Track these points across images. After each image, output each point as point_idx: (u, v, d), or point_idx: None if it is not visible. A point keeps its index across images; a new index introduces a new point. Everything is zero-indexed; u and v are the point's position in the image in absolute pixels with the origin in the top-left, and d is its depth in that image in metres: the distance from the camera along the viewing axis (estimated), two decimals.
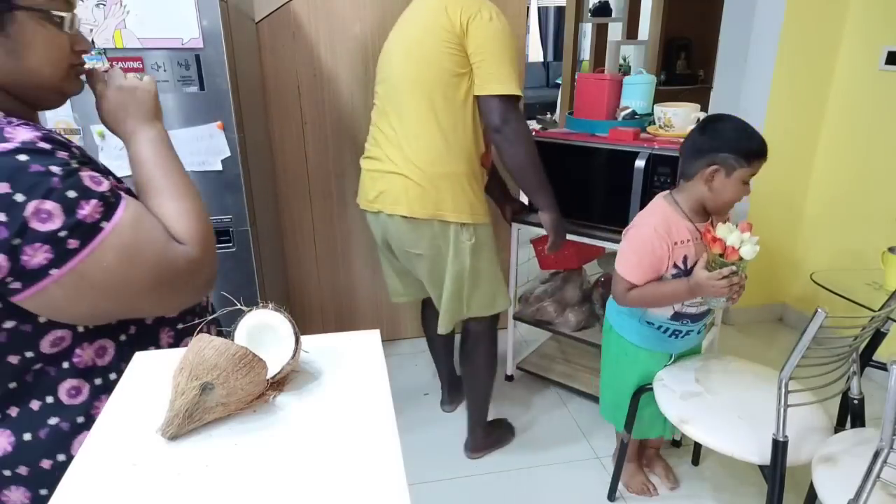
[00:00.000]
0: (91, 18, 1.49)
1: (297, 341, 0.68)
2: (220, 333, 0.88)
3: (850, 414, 1.45)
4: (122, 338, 0.78)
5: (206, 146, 1.67)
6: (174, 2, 1.52)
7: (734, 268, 1.27)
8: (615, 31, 5.62)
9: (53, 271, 0.64)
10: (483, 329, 1.84)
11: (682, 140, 1.79)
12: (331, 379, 0.69)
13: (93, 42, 1.50)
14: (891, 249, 1.71)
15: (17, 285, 0.64)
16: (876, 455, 1.06)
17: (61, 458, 0.74)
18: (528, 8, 2.96)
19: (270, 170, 2.27)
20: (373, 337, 0.77)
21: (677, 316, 1.49)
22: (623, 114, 1.96)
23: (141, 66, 1.55)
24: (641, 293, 1.42)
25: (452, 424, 2.12)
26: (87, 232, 0.65)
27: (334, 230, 2.46)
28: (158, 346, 0.82)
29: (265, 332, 0.69)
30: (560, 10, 7.06)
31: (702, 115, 1.85)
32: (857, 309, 1.64)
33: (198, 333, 0.65)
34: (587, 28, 5.71)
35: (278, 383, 0.67)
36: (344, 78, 2.25)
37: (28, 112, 0.75)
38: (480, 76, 1.53)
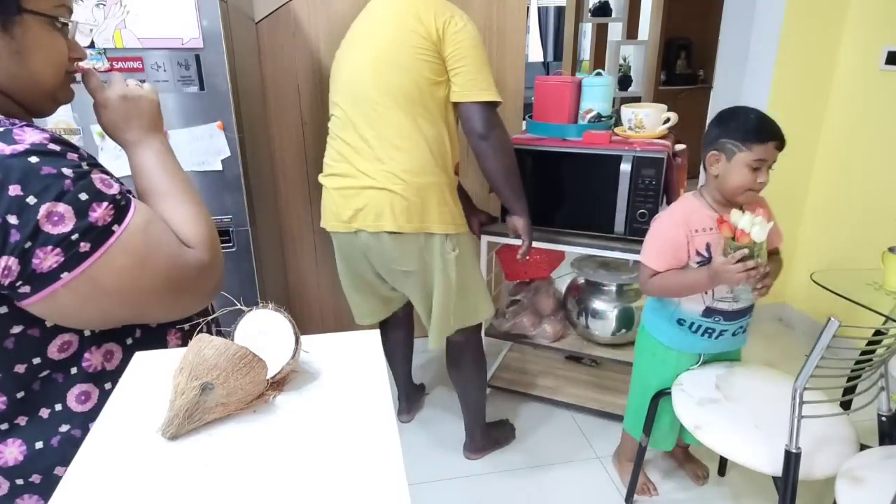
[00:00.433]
0: (91, 18, 1.49)
1: (297, 341, 0.68)
2: (219, 333, 0.88)
3: (879, 431, 1.42)
4: (129, 341, 0.78)
5: (206, 146, 1.67)
6: (174, 2, 1.52)
7: (746, 251, 1.28)
8: (615, 31, 5.61)
9: (64, 275, 0.63)
10: (467, 337, 1.79)
11: (657, 141, 1.79)
12: (331, 379, 0.69)
13: (93, 42, 1.51)
14: (891, 249, 1.70)
15: (26, 289, 0.63)
16: None
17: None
18: (528, 8, 2.96)
19: (270, 170, 2.27)
20: (373, 337, 0.77)
21: (709, 312, 1.48)
22: (589, 116, 1.92)
23: (141, 66, 1.55)
24: (663, 279, 1.45)
25: (453, 424, 2.12)
26: (98, 235, 0.65)
27: None
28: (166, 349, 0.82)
29: (265, 332, 0.69)
30: (560, 10, 7.05)
31: (671, 116, 1.85)
32: (857, 309, 1.64)
33: (198, 333, 0.65)
34: (587, 28, 5.71)
35: (278, 383, 0.67)
36: None
37: (25, 118, 0.75)
38: (460, 83, 1.50)
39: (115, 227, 0.66)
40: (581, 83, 1.95)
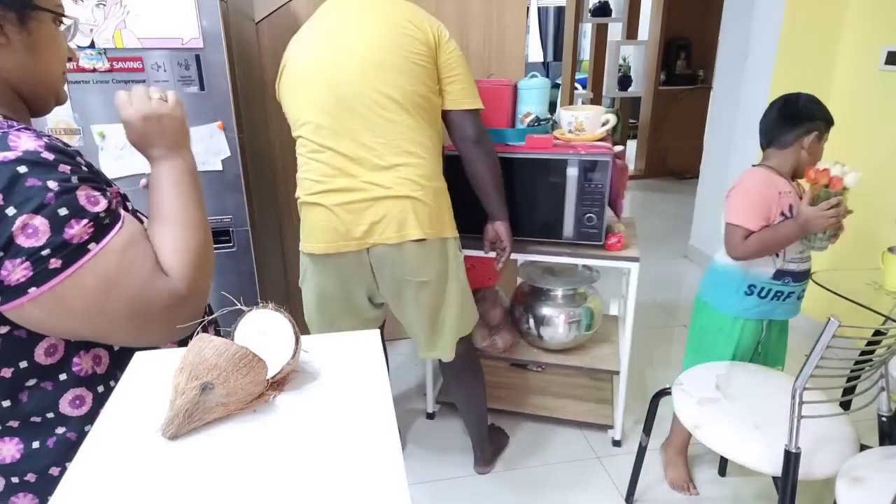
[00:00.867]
0: (91, 18, 1.49)
1: (297, 341, 0.68)
2: (219, 333, 0.88)
3: (879, 431, 1.42)
4: (116, 347, 0.77)
5: (206, 146, 1.67)
6: (174, 2, 1.53)
7: (840, 197, 1.42)
8: (615, 31, 5.62)
9: (32, 290, 0.62)
10: (465, 347, 1.75)
11: (598, 143, 1.76)
12: (331, 379, 0.69)
13: (93, 42, 1.51)
14: (891, 249, 1.70)
15: None
16: None
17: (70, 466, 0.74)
18: (528, 8, 2.96)
19: (270, 170, 2.27)
20: (373, 337, 0.77)
21: (780, 274, 1.55)
22: (528, 120, 1.88)
23: (141, 66, 1.55)
24: (760, 237, 1.50)
25: (453, 424, 2.11)
26: (72, 253, 0.63)
27: None
28: None
29: (265, 331, 0.69)
30: (560, 10, 7.06)
31: (611, 118, 1.80)
32: (857, 309, 1.64)
33: (197, 333, 0.65)
34: (587, 28, 5.72)
35: (278, 383, 0.67)
36: None
37: (25, 117, 0.75)
38: (454, 92, 1.50)
39: (91, 246, 0.65)
40: (517, 86, 1.90)
